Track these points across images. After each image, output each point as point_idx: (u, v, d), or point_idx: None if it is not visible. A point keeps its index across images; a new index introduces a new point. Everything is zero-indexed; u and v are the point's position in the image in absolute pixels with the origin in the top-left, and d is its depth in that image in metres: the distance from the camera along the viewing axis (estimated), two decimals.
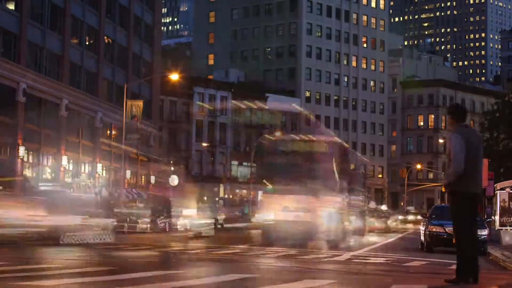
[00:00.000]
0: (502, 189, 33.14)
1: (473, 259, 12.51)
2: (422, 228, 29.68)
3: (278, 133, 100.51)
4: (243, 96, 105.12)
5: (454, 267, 19.93)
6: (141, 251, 23.09)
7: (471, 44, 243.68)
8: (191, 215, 41.31)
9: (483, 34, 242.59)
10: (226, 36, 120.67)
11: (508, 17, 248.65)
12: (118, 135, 63.17)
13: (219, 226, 53.13)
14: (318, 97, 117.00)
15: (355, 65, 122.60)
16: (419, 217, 70.59)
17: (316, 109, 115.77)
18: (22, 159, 50.23)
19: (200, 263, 18.15)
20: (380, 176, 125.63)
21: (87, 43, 63.21)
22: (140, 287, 10.90)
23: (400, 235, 49.30)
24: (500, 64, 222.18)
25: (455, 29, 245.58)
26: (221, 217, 56.96)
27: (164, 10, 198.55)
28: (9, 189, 40.01)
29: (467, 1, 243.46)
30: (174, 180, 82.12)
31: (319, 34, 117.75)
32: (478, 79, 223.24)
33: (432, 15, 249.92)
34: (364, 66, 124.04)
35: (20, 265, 14.73)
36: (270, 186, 27.11)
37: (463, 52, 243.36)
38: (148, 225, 40.48)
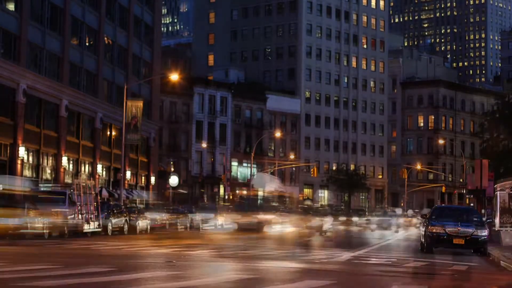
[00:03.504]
0: (502, 189, 33.13)
1: None
2: (422, 228, 29.67)
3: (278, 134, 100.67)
4: (243, 96, 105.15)
5: (454, 267, 19.93)
6: None
7: (471, 45, 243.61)
8: None
9: (483, 35, 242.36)
10: (226, 36, 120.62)
11: (508, 18, 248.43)
12: (118, 136, 63.17)
13: None
14: (318, 97, 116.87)
15: (355, 65, 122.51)
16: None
17: (316, 109, 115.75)
18: (22, 160, 50.20)
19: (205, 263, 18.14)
20: (380, 176, 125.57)
21: (87, 43, 63.14)
22: None
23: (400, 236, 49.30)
24: (500, 64, 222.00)
25: (455, 30, 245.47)
26: None
27: (164, 11, 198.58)
28: None
29: (467, 2, 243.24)
30: (174, 180, 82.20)
31: (319, 34, 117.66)
32: (478, 79, 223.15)
33: (432, 15, 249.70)
34: (364, 66, 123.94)
35: None
36: None
37: (463, 53, 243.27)
38: None
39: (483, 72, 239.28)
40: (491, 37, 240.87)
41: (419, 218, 43.58)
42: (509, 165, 76.27)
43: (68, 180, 55.98)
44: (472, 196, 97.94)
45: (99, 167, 63.04)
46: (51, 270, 14.08)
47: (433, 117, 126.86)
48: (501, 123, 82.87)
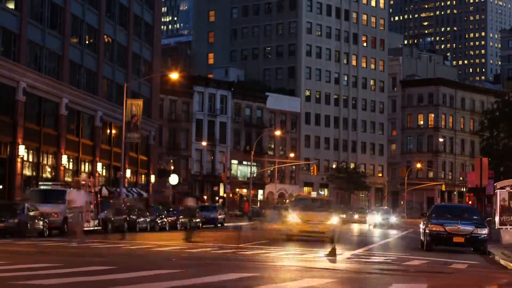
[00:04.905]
0: (502, 188, 33.13)
1: None
2: (422, 227, 29.69)
3: (278, 132, 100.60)
4: (243, 95, 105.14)
5: (454, 266, 19.94)
6: None
7: (471, 43, 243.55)
8: None
9: (483, 33, 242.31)
10: (226, 35, 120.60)
11: (508, 16, 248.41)
12: (118, 134, 63.15)
13: None
14: (318, 96, 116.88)
15: (355, 64, 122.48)
16: None
17: (316, 108, 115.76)
18: (22, 158, 50.19)
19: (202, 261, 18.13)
20: (380, 175, 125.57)
21: (87, 42, 63.09)
22: None
23: (400, 234, 49.31)
24: (500, 63, 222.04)
25: (455, 28, 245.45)
26: None
27: (164, 9, 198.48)
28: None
29: (467, 0, 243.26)
30: (174, 179, 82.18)
31: (319, 33, 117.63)
32: (478, 78, 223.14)
33: (432, 14, 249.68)
34: (364, 65, 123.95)
35: None
36: None
37: (463, 51, 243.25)
38: None
39: (483, 70, 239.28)
40: (491, 35, 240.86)
41: None
42: (509, 164, 76.33)
43: (68, 178, 56.00)
44: (472, 194, 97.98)
45: (99, 166, 63.03)
46: (51, 268, 14.08)
47: (433, 115, 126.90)
48: (501, 121, 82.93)
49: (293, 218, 31.85)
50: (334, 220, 31.99)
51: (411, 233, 49.13)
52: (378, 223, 63.44)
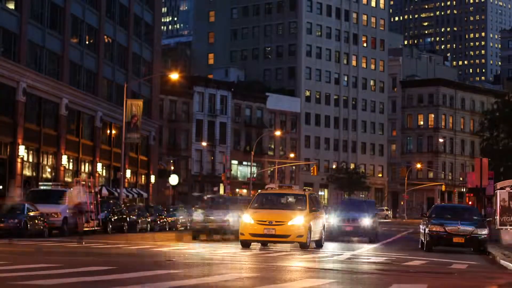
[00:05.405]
0: (502, 188, 33.14)
1: None
2: (422, 227, 29.70)
3: (278, 132, 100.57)
4: (243, 96, 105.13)
5: (454, 266, 19.94)
6: None
7: (471, 44, 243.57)
8: None
9: (483, 34, 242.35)
10: (226, 35, 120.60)
11: (508, 17, 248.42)
12: (118, 134, 63.18)
13: None
14: (318, 96, 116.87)
15: (355, 65, 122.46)
16: None
17: (316, 109, 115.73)
18: (22, 158, 50.21)
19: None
20: (380, 175, 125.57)
21: (87, 42, 63.12)
22: None
23: (399, 235, 49.30)
24: (500, 63, 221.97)
25: (455, 29, 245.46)
26: None
27: (164, 10, 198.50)
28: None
29: (467, 1, 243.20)
30: (174, 179, 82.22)
31: (319, 33, 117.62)
32: (478, 78, 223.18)
33: (432, 14, 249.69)
34: (364, 65, 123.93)
35: None
36: None
37: (463, 52, 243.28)
38: None
39: (483, 71, 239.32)
40: (491, 36, 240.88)
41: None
42: (509, 164, 76.34)
43: (68, 178, 56.01)
44: (472, 194, 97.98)
45: (99, 166, 63.05)
46: (51, 268, 14.08)
47: (433, 116, 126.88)
48: (501, 121, 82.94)
49: (246, 218, 25.58)
50: (299, 220, 25.19)
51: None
52: (336, 227, 35.10)
